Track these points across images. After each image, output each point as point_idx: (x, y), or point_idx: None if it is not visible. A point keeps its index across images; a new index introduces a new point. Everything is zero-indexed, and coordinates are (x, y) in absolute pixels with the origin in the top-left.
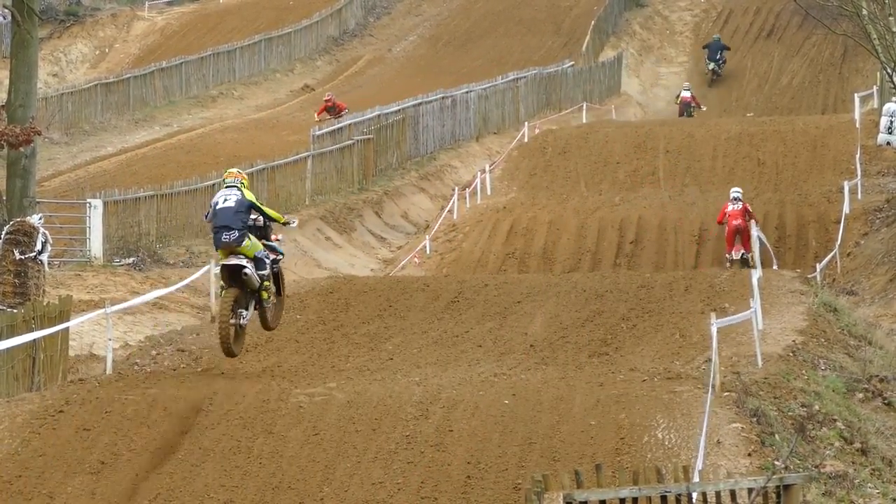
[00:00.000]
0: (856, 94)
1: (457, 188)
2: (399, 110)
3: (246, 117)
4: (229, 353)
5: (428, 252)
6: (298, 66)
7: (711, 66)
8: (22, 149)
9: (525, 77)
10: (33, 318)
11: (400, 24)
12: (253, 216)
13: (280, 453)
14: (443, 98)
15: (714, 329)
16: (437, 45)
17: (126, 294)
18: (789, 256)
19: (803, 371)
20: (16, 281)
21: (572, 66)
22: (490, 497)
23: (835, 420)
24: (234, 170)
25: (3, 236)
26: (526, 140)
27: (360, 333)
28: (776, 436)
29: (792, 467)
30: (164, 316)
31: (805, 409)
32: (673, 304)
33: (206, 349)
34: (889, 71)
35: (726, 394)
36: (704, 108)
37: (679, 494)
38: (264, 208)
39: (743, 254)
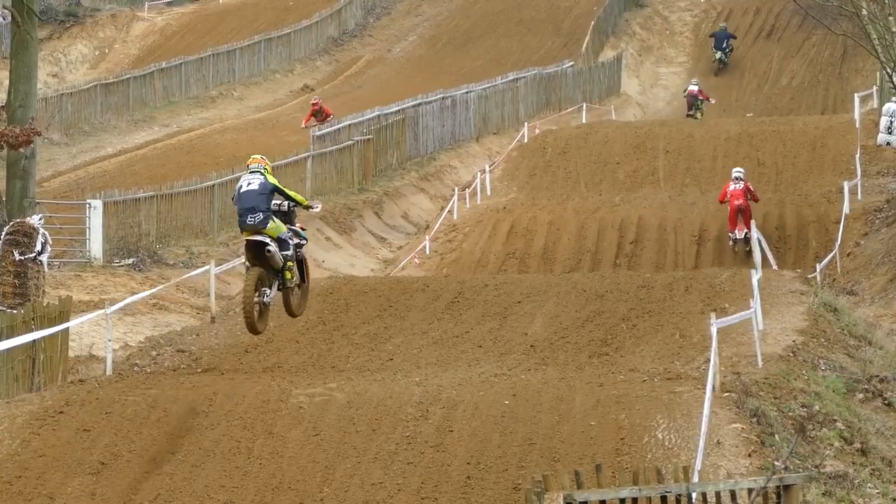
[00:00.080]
0: (855, 94)
1: (457, 188)
2: (399, 111)
3: (245, 118)
4: (253, 331)
5: (428, 252)
6: (298, 66)
7: (718, 55)
8: (22, 149)
9: (525, 77)
10: (33, 319)
11: (399, 25)
12: (276, 201)
13: (280, 454)
14: (443, 98)
15: (714, 329)
16: (437, 45)
17: (126, 295)
18: (789, 257)
19: (803, 371)
20: (16, 281)
21: (572, 66)
22: (490, 497)
23: (835, 420)
24: (258, 156)
25: (2, 237)
26: (526, 140)
27: (360, 334)
28: (776, 436)
29: (792, 467)
30: (164, 317)
31: (805, 409)
32: (673, 305)
33: (205, 350)
34: (889, 71)
35: (726, 394)
36: (713, 101)
37: (679, 495)
38: (288, 191)
39: (746, 233)
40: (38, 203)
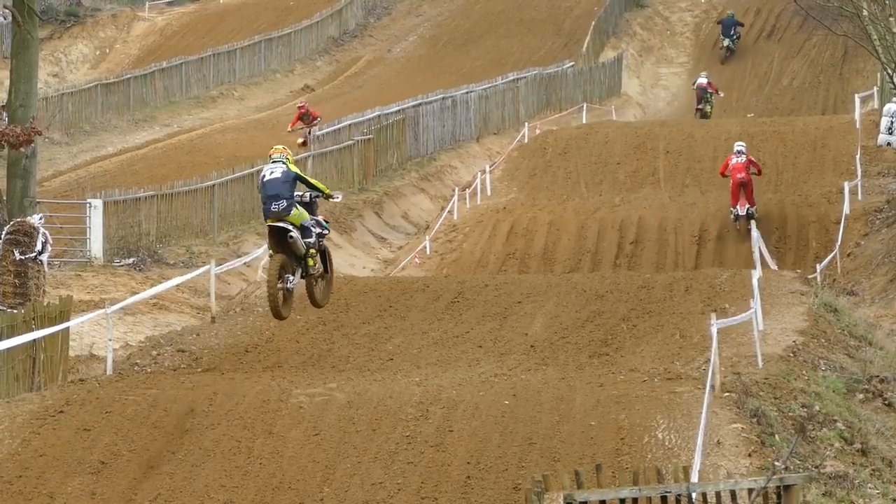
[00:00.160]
0: (856, 95)
1: (457, 189)
2: (399, 111)
3: (246, 118)
4: (278, 316)
5: (428, 252)
6: (298, 66)
7: (726, 42)
8: (22, 149)
9: (525, 77)
10: (33, 319)
11: (400, 25)
12: (299, 192)
13: (280, 453)
14: (443, 98)
15: (714, 329)
16: (438, 45)
17: (126, 294)
18: (789, 257)
19: (803, 371)
20: (16, 281)
21: (572, 66)
22: (490, 497)
23: (835, 420)
24: (280, 146)
25: (3, 237)
26: (526, 140)
27: (361, 334)
28: (776, 436)
29: (792, 468)
30: (165, 316)
31: (805, 409)
32: (673, 305)
33: (206, 350)
34: (889, 72)
35: (726, 394)
36: (722, 94)
37: (679, 495)
38: (310, 179)
39: (748, 208)
40: (38, 202)
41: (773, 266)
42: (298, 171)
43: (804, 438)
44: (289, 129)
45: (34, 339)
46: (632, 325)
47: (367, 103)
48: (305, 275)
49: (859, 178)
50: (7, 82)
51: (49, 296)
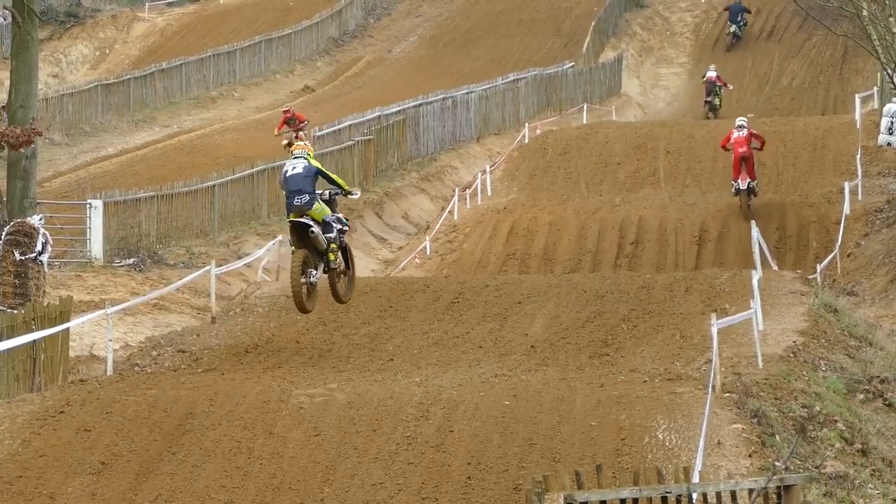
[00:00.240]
0: (856, 95)
1: (457, 189)
2: (399, 111)
3: (246, 118)
4: (303, 310)
5: (428, 253)
6: (299, 67)
7: (732, 28)
8: (22, 150)
9: (525, 78)
10: (34, 319)
11: (400, 25)
12: (319, 190)
13: (281, 454)
14: (443, 99)
15: (714, 330)
16: (438, 45)
17: (126, 295)
18: (790, 257)
19: (804, 372)
20: (16, 282)
21: (573, 66)
22: (491, 498)
23: (835, 421)
24: (302, 143)
25: (3, 237)
26: (526, 141)
27: (361, 334)
28: (777, 437)
29: (792, 468)
30: (165, 317)
31: (806, 409)
32: (673, 305)
33: (206, 350)
34: (889, 72)
35: (727, 395)
36: (731, 87)
37: (679, 495)
38: (330, 174)
39: (749, 182)
40: (38, 203)
41: (774, 266)
42: (319, 166)
43: (804, 439)
44: (275, 133)
45: (34, 340)
46: (632, 326)
47: (367, 104)
48: (327, 270)
49: (859, 178)
50: (7, 83)
51: (49, 296)
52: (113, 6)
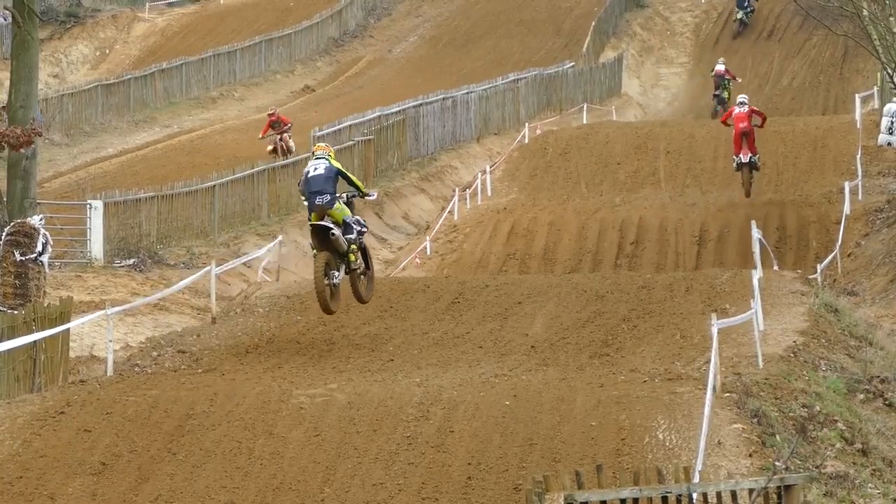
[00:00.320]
0: (856, 95)
1: (457, 189)
2: (399, 111)
3: (246, 118)
4: (327, 311)
5: (428, 253)
6: (299, 67)
7: (740, 14)
8: (22, 150)
9: (525, 78)
10: (34, 320)
11: (400, 25)
12: (337, 194)
13: (281, 454)
14: (443, 99)
15: (715, 330)
16: (438, 45)
17: (127, 295)
18: (790, 257)
19: (804, 372)
20: (16, 282)
21: (573, 66)
22: (491, 498)
23: (836, 421)
24: (323, 143)
25: (3, 238)
26: (526, 141)
27: (361, 334)
28: (777, 436)
29: (793, 468)
30: (165, 317)
31: (806, 409)
32: (674, 305)
33: (206, 350)
34: (889, 71)
35: (727, 395)
36: (740, 80)
37: (680, 495)
38: (350, 176)
39: (751, 156)
40: (38, 204)
41: (774, 266)
42: (340, 167)
43: (805, 439)
44: (260, 136)
45: (35, 341)
46: (632, 326)
47: (367, 104)
48: (349, 271)
49: (860, 178)
50: (7, 83)
51: (49, 297)
52: (113, 6)
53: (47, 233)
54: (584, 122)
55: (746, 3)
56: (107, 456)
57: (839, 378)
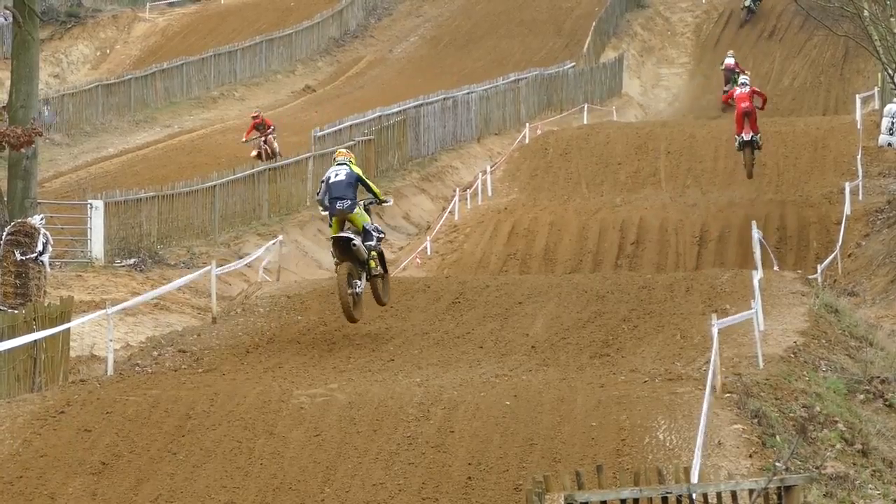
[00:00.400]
0: (857, 96)
1: (458, 189)
2: (400, 111)
3: (247, 118)
4: (351, 319)
5: (429, 253)
6: (299, 67)
7: (747, 2)
8: (23, 150)
9: (526, 78)
10: (34, 319)
11: (401, 25)
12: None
13: (281, 454)
14: (444, 99)
15: (715, 330)
16: (438, 46)
17: (127, 295)
18: (790, 257)
19: (804, 372)
20: (17, 282)
21: (573, 67)
22: (491, 498)
23: (836, 421)
24: (344, 149)
25: (4, 237)
26: (527, 141)
27: (362, 334)
28: (777, 437)
29: (793, 468)
30: (166, 317)
31: (806, 410)
32: (674, 306)
33: (207, 350)
34: (890, 72)
35: (727, 395)
36: (749, 73)
37: (680, 495)
38: (369, 182)
39: (753, 135)
40: (39, 203)
41: (775, 266)
42: (360, 173)
43: (805, 439)
44: (243, 139)
45: (35, 340)
46: (633, 326)
47: (368, 104)
48: (369, 277)
49: (860, 178)
50: (8, 83)
51: (50, 296)
52: (114, 6)
53: (48, 232)
54: (585, 122)
55: None
56: (107, 455)
57: (839, 379)
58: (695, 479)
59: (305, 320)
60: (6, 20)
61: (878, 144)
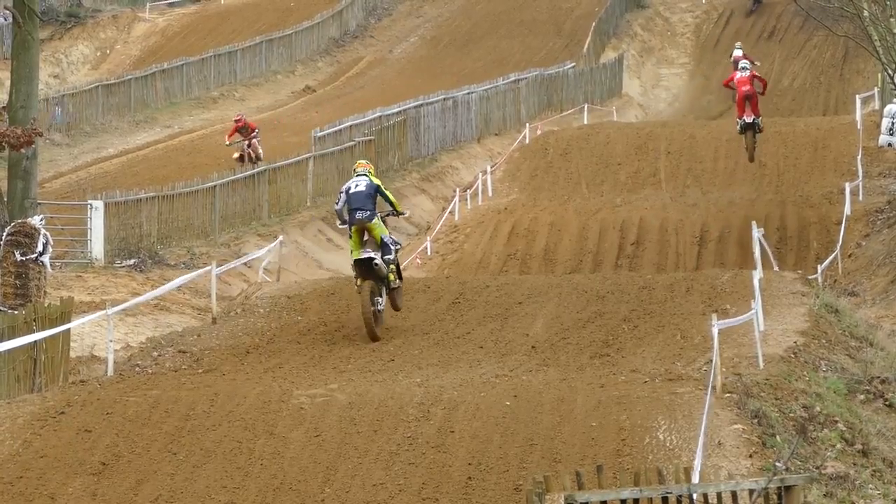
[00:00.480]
0: (857, 96)
1: (458, 189)
2: (400, 111)
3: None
4: (374, 338)
5: (429, 253)
6: (299, 67)
7: None
8: (23, 150)
9: (526, 78)
10: (34, 320)
11: (401, 26)
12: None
13: (281, 454)
14: (444, 99)
15: (715, 330)
16: (439, 46)
17: (127, 295)
18: (790, 258)
19: (804, 372)
20: (17, 282)
21: (573, 67)
22: (491, 498)
23: (836, 421)
24: (364, 161)
25: (4, 238)
26: (527, 141)
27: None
28: (777, 437)
29: (793, 468)
30: (166, 317)
31: (806, 410)
32: (674, 306)
33: (207, 350)
34: (890, 72)
35: (727, 395)
36: (759, 63)
37: (680, 496)
38: (388, 193)
39: (754, 118)
40: (39, 204)
41: (775, 267)
42: (379, 183)
43: (805, 439)
44: (226, 142)
45: (35, 341)
46: (633, 326)
47: (368, 104)
48: (388, 290)
49: (860, 178)
50: (8, 83)
51: (50, 297)
52: (114, 6)
53: (48, 233)
54: (585, 122)
55: None
56: (107, 456)
57: (839, 379)
58: (696, 479)
59: (305, 320)
60: (6, 20)
61: (879, 145)
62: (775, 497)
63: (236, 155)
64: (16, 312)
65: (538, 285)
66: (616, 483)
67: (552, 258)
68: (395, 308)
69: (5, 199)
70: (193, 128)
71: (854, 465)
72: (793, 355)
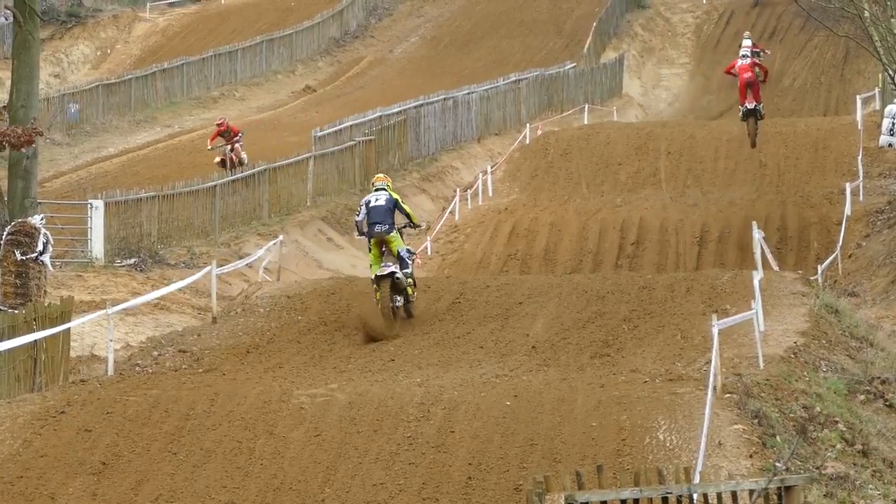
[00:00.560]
0: (857, 96)
1: (458, 189)
2: (400, 111)
3: (247, 118)
4: (388, 329)
5: (429, 253)
6: (300, 67)
7: None
8: (23, 150)
9: (527, 78)
10: (35, 319)
11: (401, 26)
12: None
13: (281, 454)
14: (444, 99)
15: (715, 330)
16: (439, 46)
17: (127, 295)
18: (791, 258)
19: (805, 372)
20: (17, 282)
21: (574, 67)
22: (491, 498)
23: (836, 422)
24: (382, 175)
25: (4, 237)
26: (527, 141)
27: (362, 334)
28: (777, 437)
29: (793, 469)
30: (166, 317)
31: (806, 410)
32: (674, 306)
33: (207, 350)
34: (891, 73)
35: (728, 395)
36: (769, 52)
37: (680, 496)
38: (405, 206)
39: (756, 104)
40: (39, 203)
41: (775, 267)
42: (398, 198)
43: (805, 439)
44: (208, 146)
45: (35, 340)
46: (633, 326)
47: (368, 104)
48: (406, 302)
49: (861, 179)
50: (8, 83)
51: (50, 296)
52: (114, 6)
53: (48, 232)
54: (586, 122)
55: None
56: (107, 455)
57: (840, 379)
58: (696, 479)
59: (305, 320)
60: (7, 20)
61: (879, 145)
62: (775, 497)
63: (218, 159)
64: (16, 312)
65: (538, 285)
66: (616, 483)
67: (552, 258)
68: (410, 316)
69: (5, 199)
70: (194, 127)
71: (854, 465)
72: (793, 356)
